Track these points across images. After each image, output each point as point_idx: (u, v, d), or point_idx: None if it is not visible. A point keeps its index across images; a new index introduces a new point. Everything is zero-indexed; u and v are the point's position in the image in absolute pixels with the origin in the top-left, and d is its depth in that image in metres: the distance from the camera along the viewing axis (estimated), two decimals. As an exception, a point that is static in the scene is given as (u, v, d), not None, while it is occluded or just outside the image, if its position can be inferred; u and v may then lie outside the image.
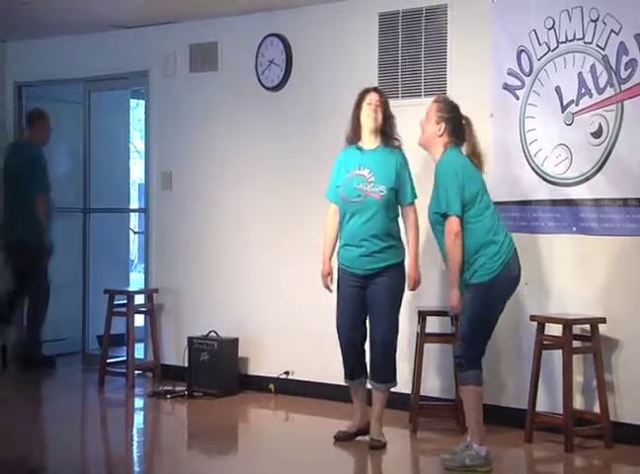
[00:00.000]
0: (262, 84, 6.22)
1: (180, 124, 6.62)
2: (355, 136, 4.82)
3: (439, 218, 4.38)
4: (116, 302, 6.49)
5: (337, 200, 4.89)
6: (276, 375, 6.06)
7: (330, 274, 4.92)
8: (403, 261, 4.79)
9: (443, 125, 4.40)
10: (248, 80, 6.27)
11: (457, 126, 4.42)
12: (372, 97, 4.78)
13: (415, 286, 4.81)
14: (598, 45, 4.89)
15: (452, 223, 4.29)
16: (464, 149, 4.47)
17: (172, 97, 6.66)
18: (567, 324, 4.74)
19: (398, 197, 4.75)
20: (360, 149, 4.83)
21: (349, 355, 4.87)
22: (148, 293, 6.61)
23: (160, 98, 6.73)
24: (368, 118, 4.76)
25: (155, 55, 6.68)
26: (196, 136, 6.55)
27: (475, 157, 4.44)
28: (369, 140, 4.81)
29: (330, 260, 4.93)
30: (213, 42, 6.43)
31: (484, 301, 4.32)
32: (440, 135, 4.41)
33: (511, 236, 4.40)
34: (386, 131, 4.78)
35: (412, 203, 4.78)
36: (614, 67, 4.82)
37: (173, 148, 6.67)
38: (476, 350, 4.35)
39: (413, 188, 4.80)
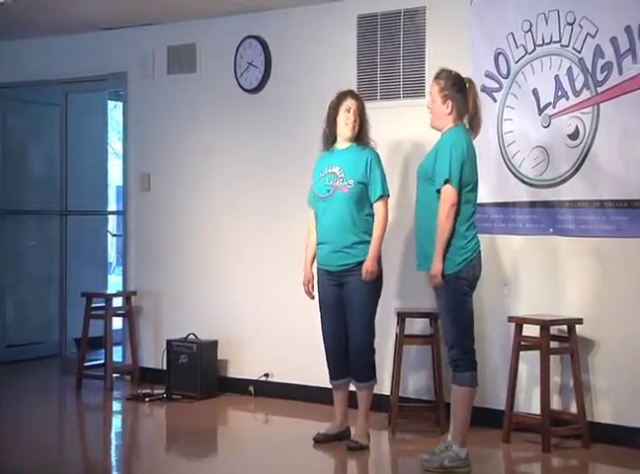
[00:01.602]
0: (240, 86, 6.21)
1: (158, 126, 6.60)
2: (331, 135, 4.87)
3: (427, 176, 4.35)
4: (93, 305, 6.45)
5: (313, 203, 4.92)
6: (255, 378, 6.05)
7: (311, 281, 4.92)
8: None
9: (450, 103, 4.36)
10: (226, 82, 6.26)
11: (463, 99, 4.38)
12: (352, 104, 4.81)
13: (367, 275, 4.69)
14: (574, 48, 4.93)
15: (451, 194, 4.24)
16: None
17: (150, 98, 6.64)
18: (544, 325, 4.77)
19: (368, 193, 4.77)
20: (333, 150, 4.88)
21: (332, 355, 4.88)
22: (126, 296, 6.58)
23: (138, 99, 6.70)
24: (346, 126, 4.80)
25: (133, 57, 6.65)
26: (174, 138, 6.52)
27: (474, 119, 4.40)
28: (343, 142, 4.86)
29: (311, 267, 4.93)
30: (192, 44, 6.41)
31: (456, 297, 4.30)
32: (450, 113, 4.38)
33: (479, 239, 4.40)
34: (361, 136, 4.82)
35: (381, 199, 4.77)
36: (590, 70, 4.86)
37: (151, 150, 6.64)
38: (469, 350, 4.35)
39: (383, 184, 4.78)
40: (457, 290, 4.30)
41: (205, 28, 6.35)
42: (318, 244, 4.86)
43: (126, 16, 6.33)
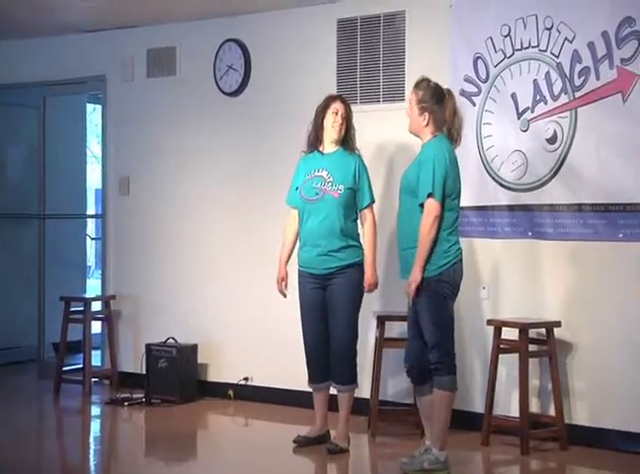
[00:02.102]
0: (220, 89, 6.21)
1: (137, 129, 6.57)
2: (316, 140, 4.86)
3: (409, 189, 4.34)
4: (72, 309, 6.42)
5: (296, 204, 4.91)
6: (235, 381, 6.04)
7: (285, 279, 4.92)
8: (362, 262, 4.79)
9: (427, 115, 4.36)
10: (206, 85, 6.25)
11: (441, 110, 4.36)
12: (339, 107, 4.82)
13: (371, 288, 4.81)
14: (552, 53, 4.96)
15: (434, 207, 4.23)
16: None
17: (129, 102, 6.62)
18: (523, 328, 4.79)
19: (356, 199, 4.79)
20: (319, 154, 4.87)
21: (312, 358, 4.88)
22: (105, 300, 6.55)
23: (117, 103, 6.68)
24: (332, 129, 4.82)
25: (113, 60, 6.63)
26: (153, 141, 6.51)
27: (452, 130, 4.39)
28: (329, 146, 4.86)
29: (286, 265, 4.93)
30: (171, 47, 6.40)
31: (437, 299, 4.30)
32: (426, 125, 4.38)
33: (461, 245, 4.41)
34: (347, 140, 4.84)
35: (369, 206, 4.83)
36: (568, 75, 4.90)
37: (130, 153, 6.62)
38: (449, 353, 4.35)
39: (371, 191, 4.84)
40: (438, 293, 4.31)
41: (185, 31, 6.34)
42: (302, 246, 4.86)
43: (106, 19, 6.31)
